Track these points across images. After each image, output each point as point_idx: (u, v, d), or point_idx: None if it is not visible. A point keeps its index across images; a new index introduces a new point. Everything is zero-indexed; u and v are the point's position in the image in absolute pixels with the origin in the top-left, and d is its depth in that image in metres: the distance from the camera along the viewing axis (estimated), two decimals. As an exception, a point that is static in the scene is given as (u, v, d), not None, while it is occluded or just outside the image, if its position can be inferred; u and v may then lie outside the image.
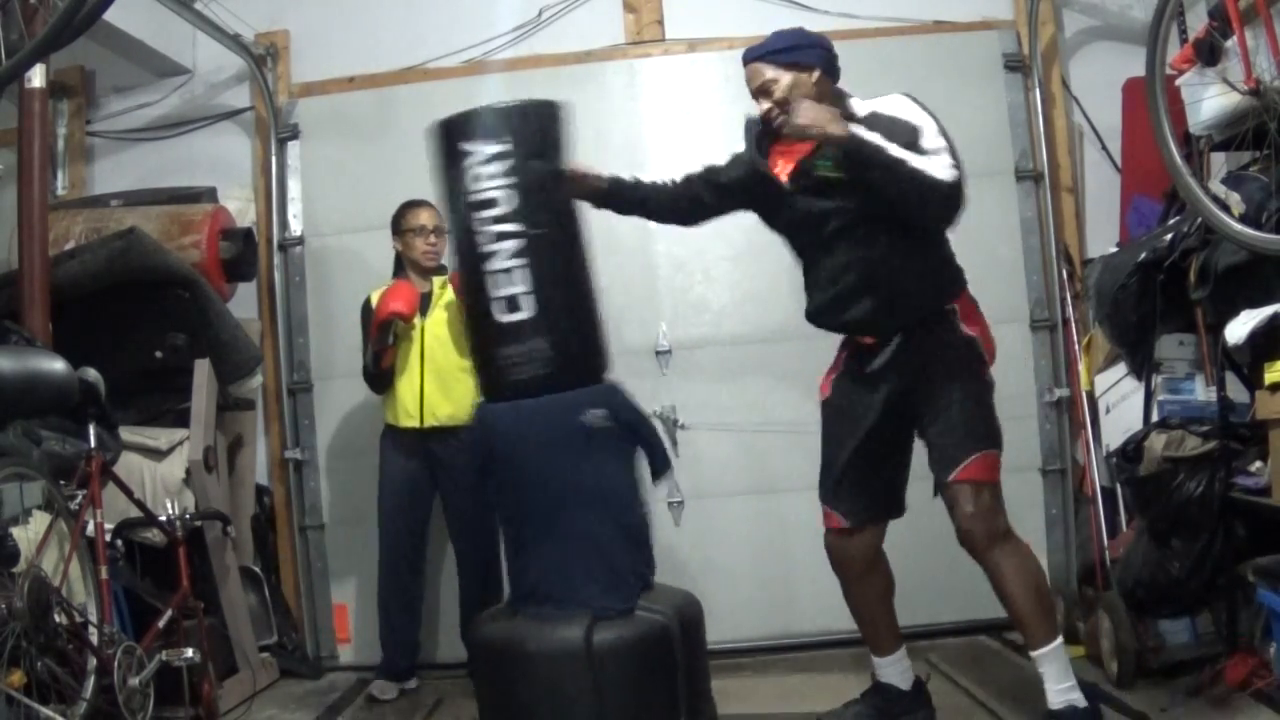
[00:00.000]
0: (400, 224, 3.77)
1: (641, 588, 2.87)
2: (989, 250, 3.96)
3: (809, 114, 2.51)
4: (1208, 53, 2.90)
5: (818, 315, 2.80)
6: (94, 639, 2.75)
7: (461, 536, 3.78)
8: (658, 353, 4.17)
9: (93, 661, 2.71)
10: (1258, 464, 2.81)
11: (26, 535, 2.67)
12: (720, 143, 4.17)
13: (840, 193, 2.61)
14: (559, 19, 4.38)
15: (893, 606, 2.88)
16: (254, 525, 4.17)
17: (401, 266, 3.79)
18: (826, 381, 2.87)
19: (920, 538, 3.53)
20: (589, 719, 2.68)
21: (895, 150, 2.47)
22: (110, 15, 2.74)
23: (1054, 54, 4.25)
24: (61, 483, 2.88)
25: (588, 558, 2.80)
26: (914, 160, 2.47)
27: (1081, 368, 3.84)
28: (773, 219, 2.83)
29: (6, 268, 3.55)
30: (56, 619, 2.63)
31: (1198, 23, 3.17)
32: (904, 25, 4.24)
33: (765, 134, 2.74)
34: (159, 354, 3.78)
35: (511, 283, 2.84)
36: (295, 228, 4.38)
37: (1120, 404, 3.46)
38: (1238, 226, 2.65)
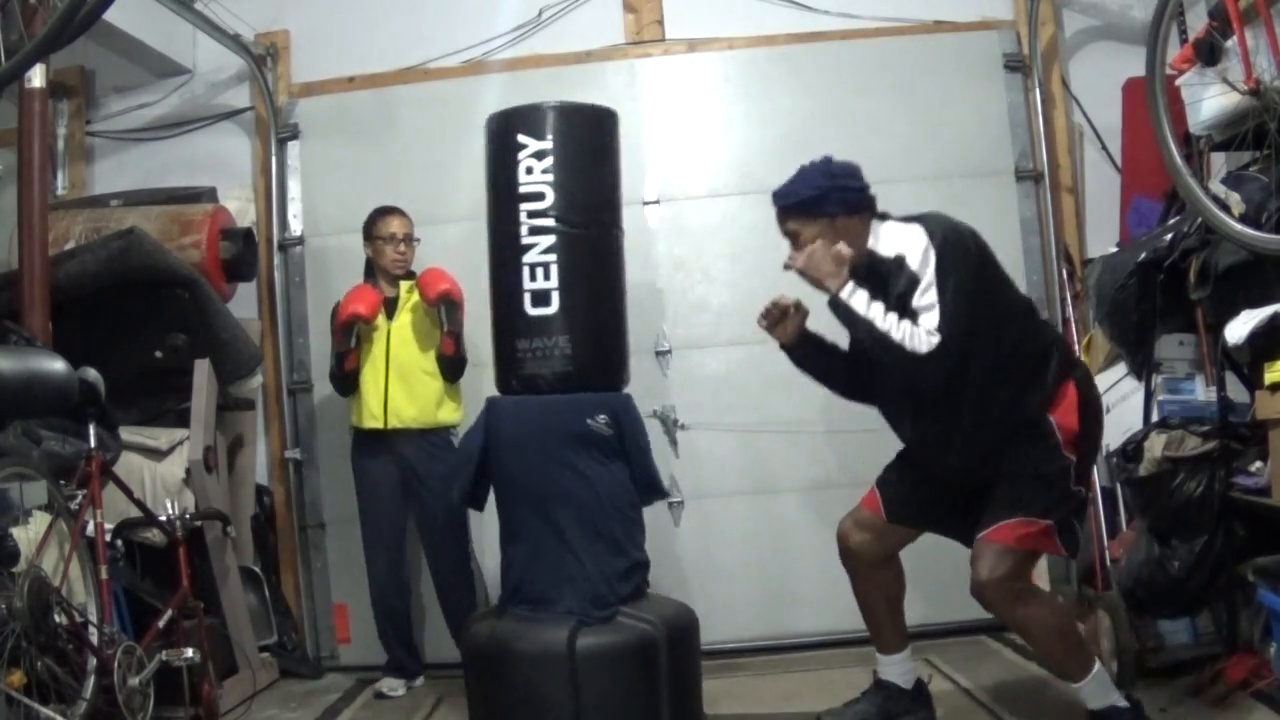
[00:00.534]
0: (371, 230, 3.80)
1: (630, 596, 2.87)
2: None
3: (808, 260, 2.52)
4: (1208, 53, 2.90)
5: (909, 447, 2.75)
6: (94, 639, 2.75)
7: (431, 542, 3.80)
8: (658, 353, 4.17)
9: (93, 661, 2.71)
10: (1258, 464, 2.81)
11: (26, 535, 2.67)
12: (720, 143, 4.24)
13: None
14: (559, 19, 4.38)
15: (902, 609, 2.87)
16: (254, 525, 4.17)
17: (372, 271, 3.84)
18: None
19: (921, 538, 3.54)
20: (568, 722, 2.68)
21: (881, 322, 2.43)
22: (110, 15, 2.74)
23: (1054, 54, 4.25)
24: (61, 483, 2.88)
25: (570, 561, 2.80)
26: (895, 331, 2.42)
27: (1081, 368, 3.83)
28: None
29: (6, 268, 3.55)
30: (56, 619, 2.63)
31: (1198, 23, 3.17)
32: (904, 25, 4.23)
33: None
34: (159, 354, 3.78)
35: (545, 277, 2.87)
36: (295, 228, 4.38)
37: (1120, 404, 3.46)
38: (1238, 226, 2.65)
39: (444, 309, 3.62)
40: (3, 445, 2.77)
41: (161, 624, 3.09)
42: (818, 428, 4.04)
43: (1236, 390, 2.96)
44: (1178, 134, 2.89)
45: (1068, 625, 2.61)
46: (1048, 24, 4.23)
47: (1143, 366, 3.30)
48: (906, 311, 2.44)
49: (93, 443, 2.99)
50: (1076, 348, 3.92)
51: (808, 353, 2.79)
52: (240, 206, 4.34)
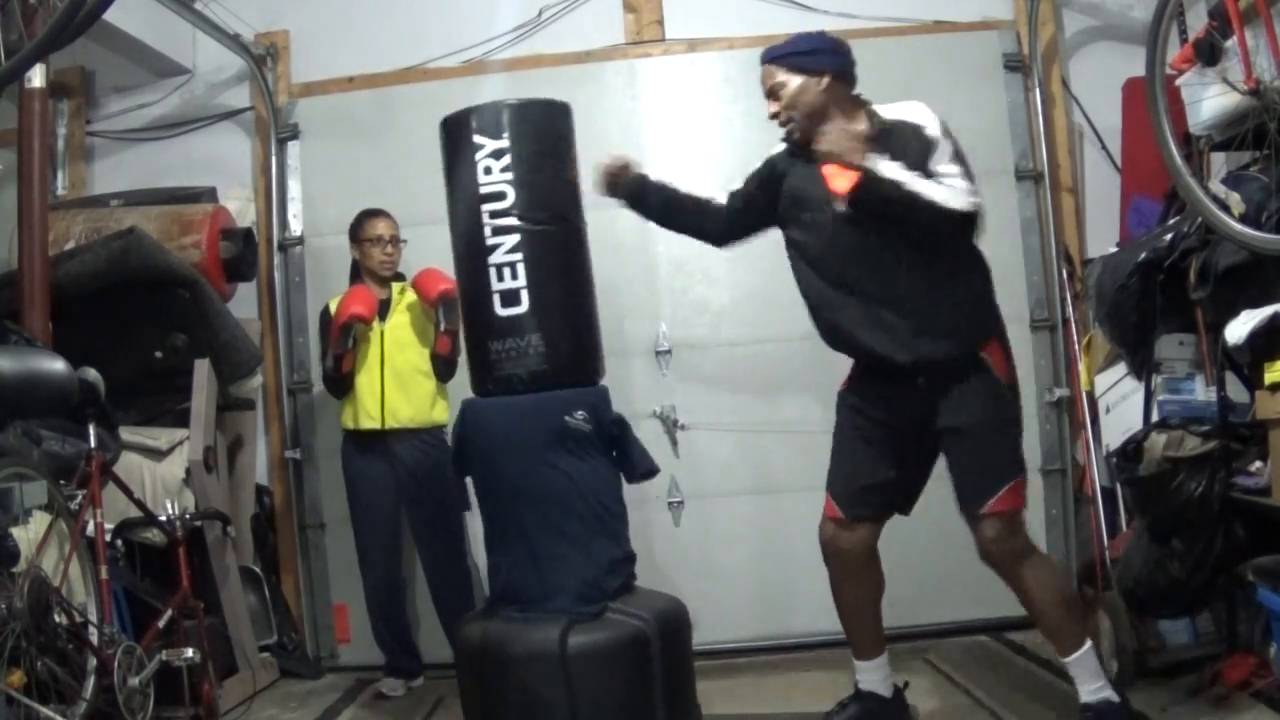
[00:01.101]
0: (358, 233, 3.82)
1: (619, 591, 2.87)
2: (989, 250, 3.91)
3: (831, 140, 2.52)
4: (1208, 53, 2.90)
5: (835, 336, 2.72)
6: (94, 639, 2.76)
7: (425, 542, 3.80)
8: (658, 353, 4.17)
9: (93, 661, 2.72)
10: (1258, 464, 2.81)
11: (26, 535, 2.67)
12: (720, 143, 4.23)
13: (885, 220, 2.55)
14: (559, 19, 4.38)
15: (880, 610, 2.86)
16: (254, 525, 4.16)
17: (358, 274, 3.84)
18: (849, 377, 2.83)
19: (920, 538, 3.54)
20: (563, 721, 2.68)
21: (911, 184, 2.44)
22: (110, 15, 2.75)
23: (1054, 54, 4.25)
24: (61, 483, 2.88)
25: (558, 559, 2.80)
26: (929, 191, 2.44)
27: (1081, 368, 3.84)
28: (805, 232, 2.70)
29: (6, 268, 3.56)
30: (56, 619, 2.63)
31: (1198, 23, 3.17)
32: (904, 25, 4.24)
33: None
34: (159, 354, 3.79)
35: (513, 276, 2.86)
36: (295, 228, 4.38)
37: (1120, 404, 3.46)
38: (1238, 226, 2.64)
39: (443, 308, 3.63)
40: (3, 445, 2.77)
41: (161, 624, 3.09)
42: (818, 428, 4.01)
43: (1236, 390, 2.96)
44: (1178, 134, 2.89)
45: (1069, 590, 2.73)
46: (1048, 24, 4.23)
47: (1143, 366, 3.30)
48: (929, 175, 2.47)
49: (93, 443, 3.00)
50: (1077, 348, 3.93)
51: (652, 201, 2.88)
52: (240, 206, 4.34)
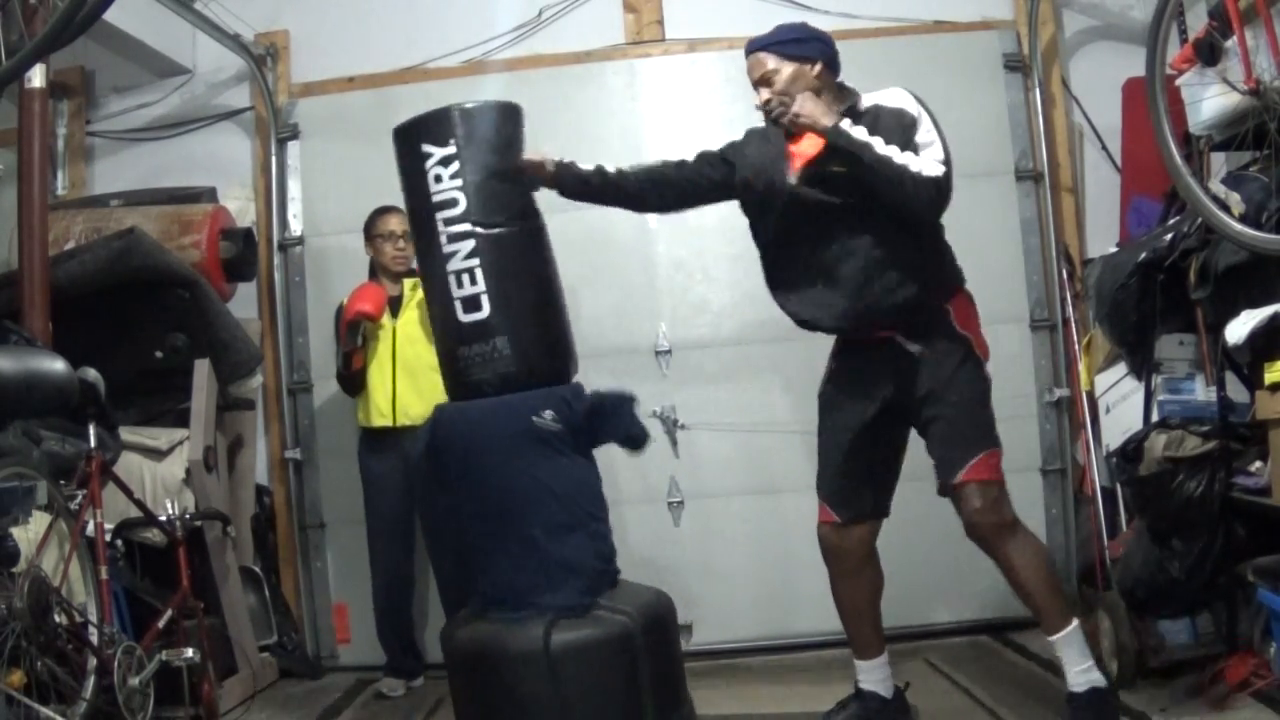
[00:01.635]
0: (370, 230, 3.84)
1: (602, 587, 2.86)
2: (989, 250, 3.96)
3: (803, 105, 2.59)
4: (1208, 53, 2.90)
5: (799, 308, 2.78)
6: (94, 639, 2.76)
7: (434, 538, 3.78)
8: (658, 353, 4.17)
9: (93, 661, 2.72)
10: (1258, 464, 2.81)
11: (26, 535, 2.67)
12: (720, 143, 4.21)
13: (842, 188, 2.62)
14: (559, 19, 4.38)
15: (880, 610, 2.88)
16: (254, 525, 4.17)
17: (375, 272, 3.86)
18: (826, 368, 2.90)
19: (920, 538, 3.55)
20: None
21: (881, 148, 2.53)
22: (110, 15, 2.74)
23: (1054, 54, 4.25)
24: (61, 483, 2.88)
25: (538, 559, 2.80)
26: (899, 156, 2.53)
27: (1081, 368, 3.84)
28: (763, 207, 2.81)
29: (6, 268, 3.55)
30: (56, 619, 2.63)
31: (1198, 23, 3.17)
32: (904, 25, 4.24)
33: (779, 133, 2.77)
34: (159, 354, 3.78)
35: (472, 282, 2.86)
36: (295, 228, 4.38)
37: (1120, 404, 3.46)
38: (1238, 226, 2.64)
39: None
40: (3, 445, 2.77)
41: (161, 624, 3.09)
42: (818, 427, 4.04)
43: (1236, 390, 2.96)
44: (1178, 134, 2.88)
45: (1052, 567, 2.76)
46: (1048, 24, 4.23)
47: (1143, 366, 3.30)
48: (908, 149, 2.55)
49: (93, 443, 2.99)
50: (1077, 348, 3.93)
51: (574, 185, 2.94)
52: (240, 206, 4.34)
